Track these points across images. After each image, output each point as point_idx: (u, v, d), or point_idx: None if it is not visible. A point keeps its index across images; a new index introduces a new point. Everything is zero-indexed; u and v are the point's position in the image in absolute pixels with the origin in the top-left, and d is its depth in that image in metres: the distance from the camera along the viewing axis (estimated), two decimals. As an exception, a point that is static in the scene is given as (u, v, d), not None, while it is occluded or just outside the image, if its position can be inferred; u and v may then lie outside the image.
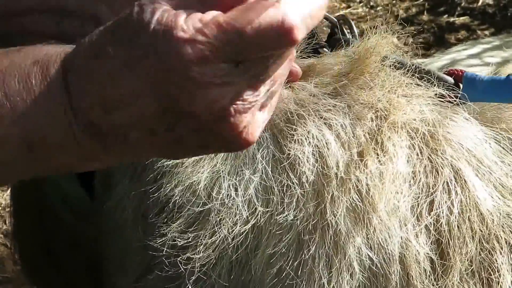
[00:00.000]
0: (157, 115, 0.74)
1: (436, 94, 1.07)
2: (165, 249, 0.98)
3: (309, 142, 1.00)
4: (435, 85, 1.09)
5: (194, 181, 1.00)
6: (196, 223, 0.99)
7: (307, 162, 0.98)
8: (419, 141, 1.02)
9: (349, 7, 3.93)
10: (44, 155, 0.79)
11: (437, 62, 2.43)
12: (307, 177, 0.98)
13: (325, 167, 0.98)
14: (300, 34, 0.71)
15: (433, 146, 1.01)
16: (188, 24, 0.71)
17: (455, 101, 1.08)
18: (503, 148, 1.03)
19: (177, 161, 1.01)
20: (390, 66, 1.10)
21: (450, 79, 1.11)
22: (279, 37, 0.71)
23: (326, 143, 1.00)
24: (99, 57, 0.74)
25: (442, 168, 1.00)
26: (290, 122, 1.02)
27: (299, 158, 0.99)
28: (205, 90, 0.73)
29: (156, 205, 1.01)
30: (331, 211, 0.96)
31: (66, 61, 0.77)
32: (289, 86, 1.08)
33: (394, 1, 3.93)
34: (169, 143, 0.77)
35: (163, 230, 0.98)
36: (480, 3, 3.88)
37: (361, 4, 3.94)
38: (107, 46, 0.74)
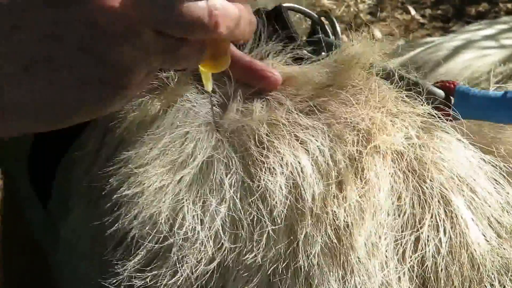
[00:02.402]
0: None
1: (425, 111, 0.95)
2: (120, 290, 0.86)
3: (282, 170, 0.87)
4: (423, 99, 0.96)
5: (154, 212, 0.88)
6: (155, 260, 0.87)
7: (279, 193, 0.86)
8: (405, 167, 0.89)
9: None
10: None
11: (450, 42, 2.28)
12: (279, 211, 0.86)
13: (299, 199, 0.86)
14: None
15: (421, 173, 0.89)
16: None
17: (446, 118, 0.95)
18: (502, 175, 0.90)
19: (137, 190, 0.89)
20: (376, 77, 0.97)
21: (441, 93, 0.98)
22: None
23: (302, 171, 0.87)
24: None
25: (430, 198, 0.87)
26: (261, 146, 0.90)
27: (270, 189, 0.87)
28: None
29: (112, 238, 0.89)
30: (304, 250, 0.84)
31: None
32: (265, 99, 0.96)
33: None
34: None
35: (119, 268, 0.87)
36: (503, -26, 3.70)
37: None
38: None
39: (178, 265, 0.85)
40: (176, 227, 0.87)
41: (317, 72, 0.98)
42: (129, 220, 0.88)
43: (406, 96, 0.96)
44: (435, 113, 0.94)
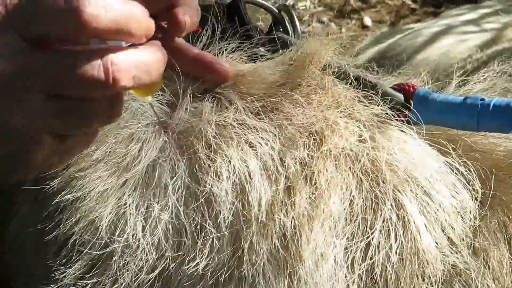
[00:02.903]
0: None
1: (382, 112, 0.91)
2: (60, 297, 0.83)
3: (229, 175, 0.83)
4: (380, 102, 0.92)
5: (96, 217, 0.84)
6: (96, 268, 0.83)
7: (225, 199, 0.82)
8: (358, 170, 0.85)
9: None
10: None
11: (429, 28, 2.24)
12: (224, 217, 0.82)
13: (246, 205, 0.82)
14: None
15: (374, 176, 0.85)
16: None
17: (403, 121, 0.91)
18: (458, 178, 0.87)
19: (78, 194, 0.85)
20: (331, 77, 0.93)
21: (400, 96, 0.94)
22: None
23: (249, 176, 0.83)
24: None
25: (383, 203, 0.84)
26: (209, 148, 0.86)
27: (216, 194, 0.83)
28: None
29: (54, 243, 0.85)
30: (249, 259, 0.80)
31: None
32: (215, 98, 0.92)
33: None
34: None
35: (59, 274, 0.83)
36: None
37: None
38: None
39: (118, 273, 0.82)
40: (117, 234, 0.83)
41: (271, 71, 0.93)
42: (70, 225, 0.84)
43: (363, 96, 0.92)
44: (392, 113, 0.90)
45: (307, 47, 0.94)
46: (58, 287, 0.82)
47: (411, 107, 0.92)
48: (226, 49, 0.97)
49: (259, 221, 0.81)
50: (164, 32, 0.86)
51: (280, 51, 0.99)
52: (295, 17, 1.07)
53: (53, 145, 0.72)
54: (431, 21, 2.64)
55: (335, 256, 0.81)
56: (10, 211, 0.94)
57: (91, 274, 0.83)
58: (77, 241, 0.83)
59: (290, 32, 1.06)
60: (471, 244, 0.84)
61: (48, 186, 0.85)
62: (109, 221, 0.83)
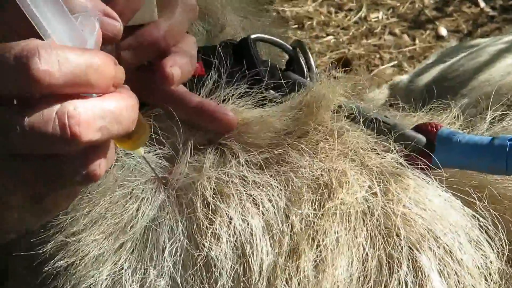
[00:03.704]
0: None
1: (397, 160, 0.82)
2: None
3: (229, 237, 0.76)
4: (401, 145, 0.83)
5: (91, 284, 0.78)
6: None
7: (225, 263, 0.75)
8: (370, 228, 0.77)
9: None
10: None
11: (493, 45, 2.11)
12: (224, 284, 0.75)
13: (247, 270, 0.75)
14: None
15: (388, 232, 0.77)
16: None
17: (424, 167, 0.82)
18: (483, 234, 0.77)
19: (72, 259, 0.79)
20: (342, 122, 0.85)
21: (421, 138, 0.85)
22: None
23: (251, 237, 0.76)
24: None
25: (398, 262, 0.75)
26: (208, 207, 0.79)
27: (215, 258, 0.76)
28: None
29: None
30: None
31: None
32: (218, 150, 0.85)
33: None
34: None
35: None
36: None
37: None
38: None
39: None
40: (112, 303, 0.77)
41: (278, 118, 0.86)
42: (64, 293, 0.78)
43: (378, 141, 0.83)
44: (409, 161, 0.81)
45: (317, 90, 0.86)
46: None
47: (434, 150, 0.83)
48: (232, 95, 0.90)
49: (260, 287, 0.73)
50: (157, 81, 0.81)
51: (291, 94, 0.91)
52: (310, 53, 0.99)
53: (24, 206, 0.65)
54: (497, 37, 2.50)
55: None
56: (4, 274, 0.89)
57: None
58: (70, 312, 0.78)
59: (304, 71, 0.98)
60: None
61: (40, 252, 0.80)
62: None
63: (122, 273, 0.78)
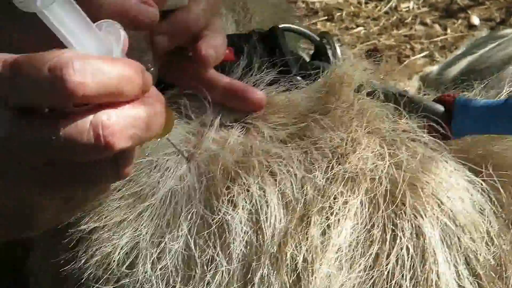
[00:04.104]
0: None
1: (411, 129, 0.84)
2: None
3: (244, 204, 0.79)
4: (414, 117, 0.86)
5: (110, 251, 0.81)
6: (108, 303, 0.80)
7: (239, 229, 0.78)
8: (379, 193, 0.79)
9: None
10: None
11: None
12: (236, 249, 0.77)
13: (260, 237, 0.77)
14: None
15: (394, 198, 0.79)
16: None
17: (440, 135, 0.84)
18: (487, 202, 0.79)
19: (95, 224, 0.82)
20: (363, 97, 0.87)
21: (440, 108, 0.87)
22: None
23: (266, 205, 0.79)
24: None
25: (402, 228, 0.77)
26: (228, 177, 0.81)
27: (230, 224, 0.78)
28: None
29: (71, 278, 0.83)
30: (259, 295, 0.75)
31: None
32: (244, 127, 0.88)
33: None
34: None
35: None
36: None
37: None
38: None
39: (127, 311, 0.79)
40: (129, 267, 0.80)
41: (303, 99, 0.88)
42: (86, 258, 0.81)
43: (394, 112, 0.86)
44: (424, 129, 0.84)
45: (339, 70, 0.88)
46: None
47: (452, 118, 0.86)
48: (262, 82, 0.92)
49: (271, 253, 0.76)
50: (193, 64, 0.84)
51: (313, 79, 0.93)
52: (336, 44, 1.01)
53: (57, 206, 0.68)
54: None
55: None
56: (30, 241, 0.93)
57: (103, 310, 0.80)
58: (91, 276, 0.81)
59: (331, 60, 1.00)
60: (498, 276, 0.76)
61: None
62: (123, 253, 0.80)
63: (140, 238, 0.81)
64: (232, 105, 0.89)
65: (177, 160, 0.85)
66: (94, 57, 0.60)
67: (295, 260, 0.75)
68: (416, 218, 0.77)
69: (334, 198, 0.77)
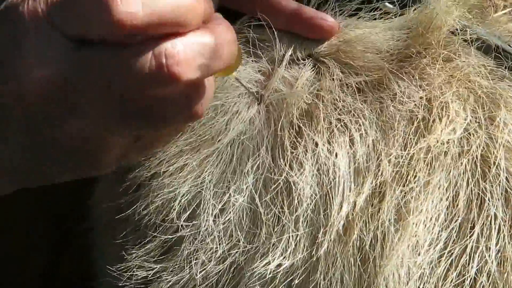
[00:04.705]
0: None
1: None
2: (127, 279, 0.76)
3: (311, 163, 0.71)
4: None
5: (171, 198, 0.76)
6: (165, 252, 0.76)
7: (305, 191, 0.71)
8: (466, 163, 0.70)
9: None
10: None
11: None
12: (303, 211, 0.71)
13: (327, 202, 0.70)
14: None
15: (486, 163, 0.70)
16: None
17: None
18: None
19: (156, 169, 0.77)
20: (457, 46, 0.76)
21: None
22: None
23: (334, 167, 0.71)
24: None
25: (491, 195, 0.69)
26: (295, 129, 0.74)
27: (296, 184, 0.71)
28: None
29: (131, 221, 0.79)
30: (324, 269, 0.69)
31: None
32: (316, 66, 0.79)
33: None
34: None
35: (128, 254, 0.76)
36: None
37: None
38: None
39: (186, 261, 0.74)
40: (190, 217, 0.75)
41: (384, 37, 0.78)
42: (145, 204, 0.77)
43: (494, 68, 0.75)
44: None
45: (434, 7, 0.76)
46: (124, 267, 0.76)
47: None
48: (342, 12, 0.81)
49: (337, 223, 0.69)
50: None
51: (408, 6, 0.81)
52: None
53: (126, 145, 0.64)
54: None
55: (422, 272, 0.68)
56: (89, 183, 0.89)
57: (160, 258, 0.76)
58: (149, 223, 0.76)
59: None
60: None
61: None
62: (184, 201, 0.75)
63: (203, 187, 0.75)
64: (301, 33, 0.81)
65: (247, 102, 0.78)
66: None
67: (363, 242, 0.68)
68: (509, 182, 0.69)
69: (414, 175, 0.68)
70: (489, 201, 0.69)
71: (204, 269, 0.73)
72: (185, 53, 0.57)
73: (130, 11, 0.55)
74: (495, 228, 0.68)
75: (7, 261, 1.08)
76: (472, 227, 0.69)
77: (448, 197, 0.69)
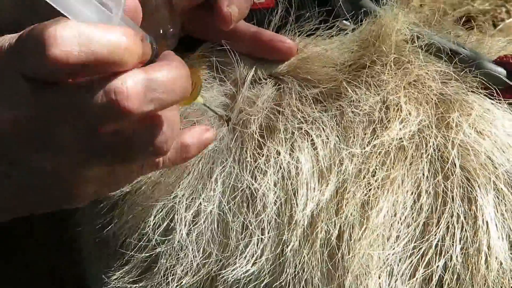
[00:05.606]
0: None
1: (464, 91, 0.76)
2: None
3: (274, 171, 0.73)
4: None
5: (146, 214, 0.77)
6: (143, 271, 0.77)
7: (269, 197, 0.73)
8: (425, 160, 0.72)
9: None
10: None
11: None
12: (268, 217, 0.72)
13: (294, 205, 0.72)
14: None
15: (443, 163, 0.72)
16: None
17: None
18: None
19: (129, 188, 0.78)
20: (407, 52, 0.79)
21: (501, 71, 0.78)
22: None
23: (296, 171, 0.73)
24: None
25: (451, 196, 0.70)
26: (259, 140, 0.76)
27: (260, 190, 0.73)
28: None
29: (112, 243, 0.80)
30: (292, 268, 0.70)
31: None
32: (276, 83, 0.82)
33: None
34: None
35: (108, 277, 0.77)
36: None
37: None
38: None
39: (163, 278, 0.75)
40: (164, 233, 0.76)
41: (341, 50, 0.82)
42: (121, 224, 0.78)
43: (445, 70, 0.78)
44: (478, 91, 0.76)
45: (384, 18, 0.80)
46: (107, 288, 0.77)
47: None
48: (300, 32, 0.85)
49: (302, 224, 0.70)
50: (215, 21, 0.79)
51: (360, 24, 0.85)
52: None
53: (99, 179, 0.66)
54: None
55: (391, 268, 0.69)
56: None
57: (138, 277, 0.77)
58: (126, 242, 0.78)
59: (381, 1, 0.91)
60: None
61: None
62: (158, 218, 0.76)
63: (176, 201, 0.77)
64: (261, 56, 0.84)
65: (218, 124, 0.80)
66: (86, 25, 0.57)
67: (330, 234, 0.69)
68: (469, 181, 0.71)
69: (373, 173, 0.71)
70: (451, 200, 0.70)
71: (180, 283, 0.74)
72: (135, 88, 0.58)
73: (65, 50, 0.56)
74: (457, 229, 0.70)
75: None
76: (437, 225, 0.70)
77: (408, 192, 0.71)
